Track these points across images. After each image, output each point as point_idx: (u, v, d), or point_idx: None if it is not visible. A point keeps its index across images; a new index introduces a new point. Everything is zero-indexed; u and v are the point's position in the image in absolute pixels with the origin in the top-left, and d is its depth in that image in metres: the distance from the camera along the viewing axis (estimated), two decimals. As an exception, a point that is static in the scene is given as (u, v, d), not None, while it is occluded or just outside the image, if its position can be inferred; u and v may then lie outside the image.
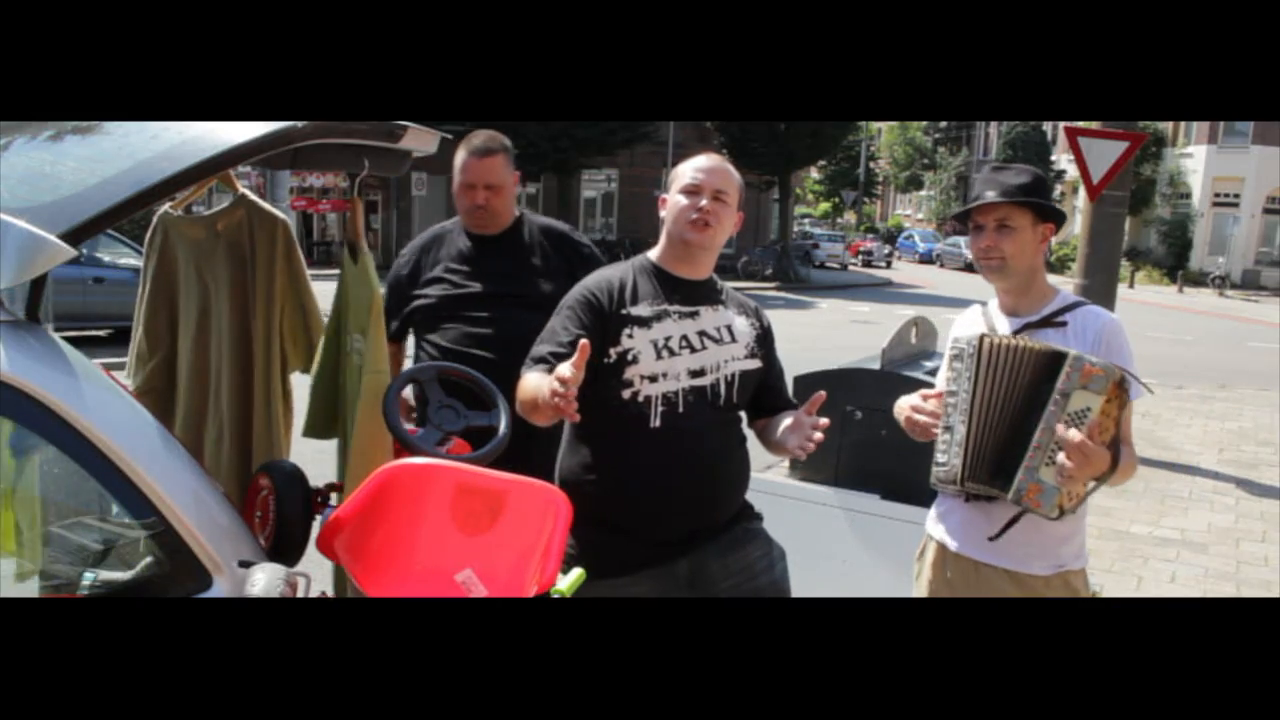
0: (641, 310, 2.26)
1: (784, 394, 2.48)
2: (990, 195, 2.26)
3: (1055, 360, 2.12)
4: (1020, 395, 2.16)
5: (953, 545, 2.33)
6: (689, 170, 2.31)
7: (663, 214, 2.34)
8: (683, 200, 2.28)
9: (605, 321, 2.23)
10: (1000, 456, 2.17)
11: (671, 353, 2.25)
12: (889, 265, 40.37)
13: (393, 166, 2.30)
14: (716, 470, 2.27)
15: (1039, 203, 2.26)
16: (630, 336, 2.23)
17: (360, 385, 2.23)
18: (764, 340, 2.43)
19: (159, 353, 2.61)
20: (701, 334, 2.30)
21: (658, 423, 2.20)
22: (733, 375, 2.31)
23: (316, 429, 2.49)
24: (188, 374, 2.56)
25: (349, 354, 2.32)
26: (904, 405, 2.38)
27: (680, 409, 2.22)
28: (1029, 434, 2.13)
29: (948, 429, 2.21)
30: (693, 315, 2.31)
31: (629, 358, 2.21)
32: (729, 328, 2.35)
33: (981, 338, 2.20)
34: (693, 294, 2.33)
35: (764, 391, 2.42)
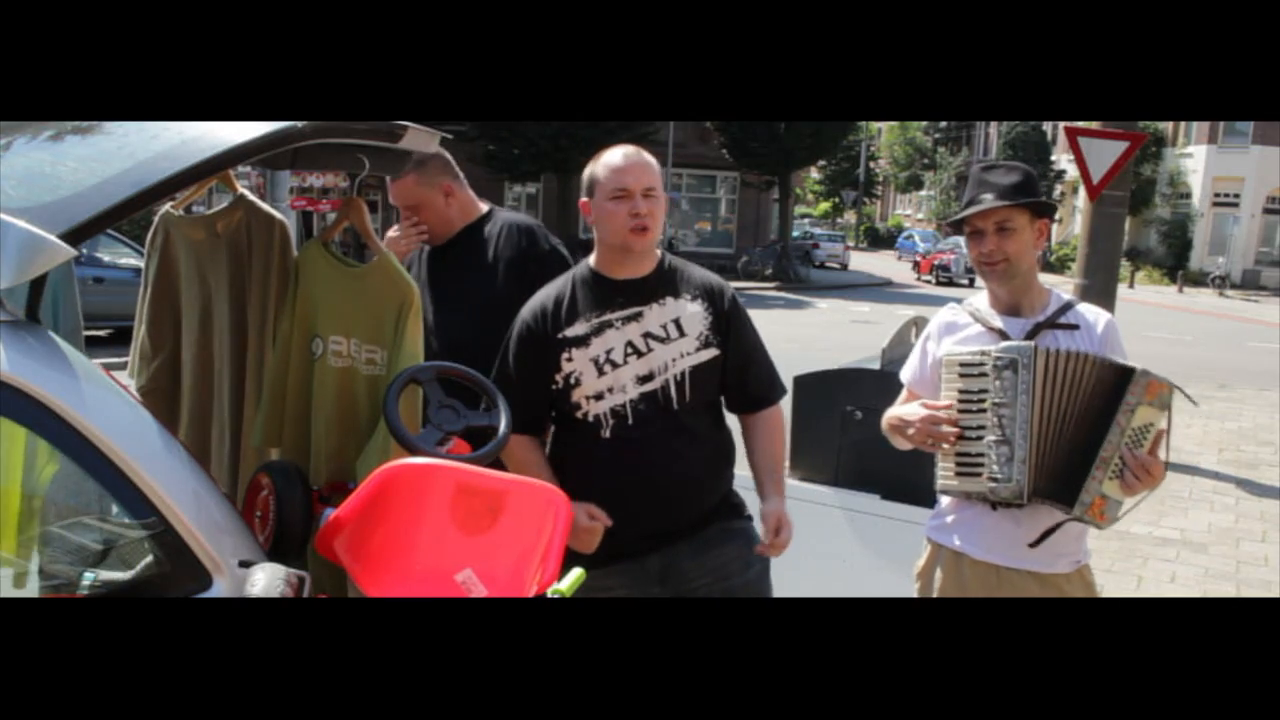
0: (577, 329, 2.24)
1: (754, 382, 2.38)
2: (987, 199, 2.23)
3: (1123, 375, 2.11)
4: (1083, 408, 2.15)
5: (974, 553, 2.29)
6: (609, 174, 2.21)
7: (589, 220, 2.27)
8: (614, 208, 2.20)
9: (545, 350, 2.23)
10: (1065, 471, 2.16)
11: (615, 365, 2.24)
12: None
13: (393, 166, 2.29)
14: (669, 475, 2.26)
15: (1035, 201, 2.24)
16: (569, 360, 2.23)
17: (335, 387, 2.23)
18: (721, 325, 2.32)
19: (163, 352, 2.61)
20: (646, 336, 2.26)
21: (608, 434, 2.24)
22: (682, 374, 2.27)
23: (273, 436, 2.36)
24: (192, 373, 2.55)
25: (324, 356, 2.28)
26: (913, 415, 2.26)
27: (630, 420, 2.24)
28: (1093, 448, 2.13)
29: (1004, 442, 2.16)
30: (636, 318, 2.27)
31: (572, 380, 2.23)
32: (676, 322, 2.28)
33: (1037, 349, 2.17)
34: (636, 294, 2.28)
35: (732, 380, 2.35)
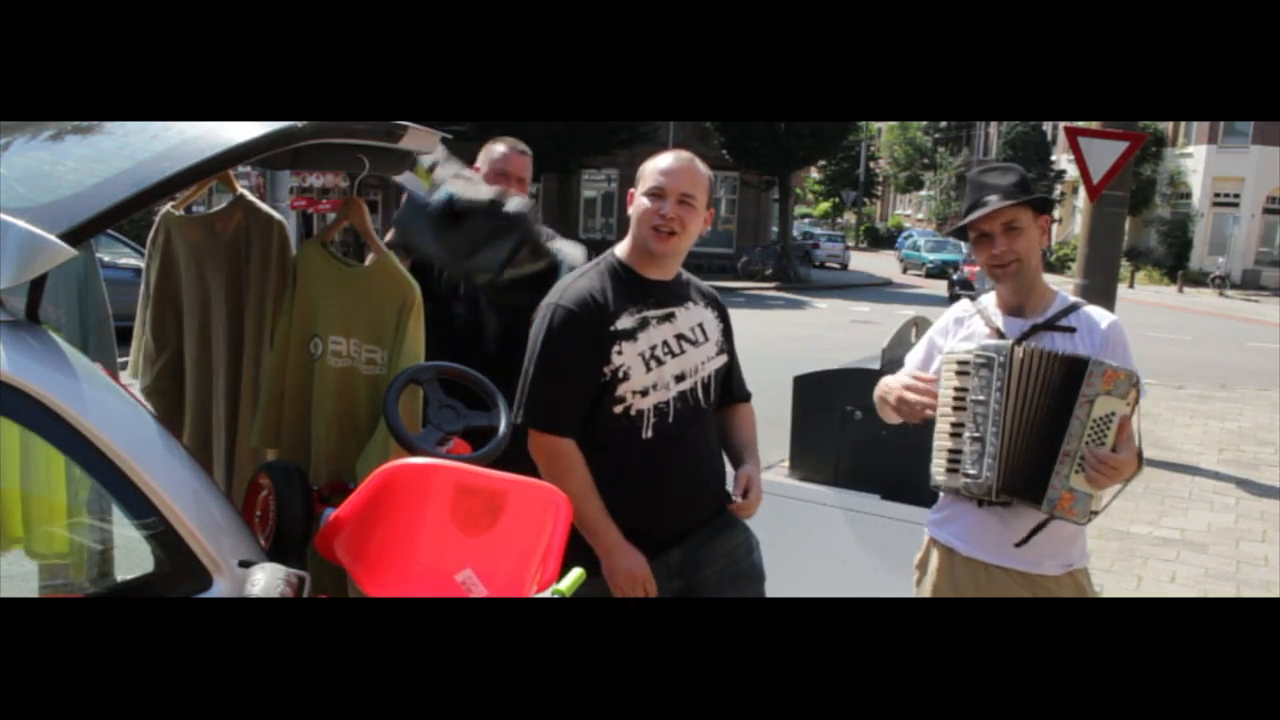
0: (624, 323, 2.24)
1: (738, 385, 2.52)
2: (992, 200, 2.23)
3: (1077, 366, 2.11)
4: (1048, 404, 2.15)
5: (963, 549, 2.31)
6: (653, 171, 2.26)
7: (630, 211, 2.32)
8: (647, 204, 2.24)
9: (598, 341, 2.21)
10: (1032, 467, 2.17)
11: (659, 362, 2.25)
12: None
13: (393, 166, 2.29)
14: (702, 472, 2.33)
15: (1038, 198, 2.25)
16: (620, 353, 2.22)
17: (333, 386, 2.23)
18: (727, 332, 2.45)
19: (165, 352, 2.61)
20: (680, 337, 2.30)
21: (649, 434, 2.24)
22: (709, 376, 2.35)
23: (270, 437, 2.36)
24: (193, 373, 2.56)
25: (324, 357, 2.28)
26: (893, 385, 2.34)
27: (670, 418, 2.25)
28: (1057, 442, 2.13)
29: (977, 439, 2.18)
30: (669, 318, 2.30)
31: (620, 374, 2.22)
32: (701, 326, 2.36)
33: (1014, 347, 2.17)
34: (665, 296, 2.32)
35: (725, 383, 2.45)
